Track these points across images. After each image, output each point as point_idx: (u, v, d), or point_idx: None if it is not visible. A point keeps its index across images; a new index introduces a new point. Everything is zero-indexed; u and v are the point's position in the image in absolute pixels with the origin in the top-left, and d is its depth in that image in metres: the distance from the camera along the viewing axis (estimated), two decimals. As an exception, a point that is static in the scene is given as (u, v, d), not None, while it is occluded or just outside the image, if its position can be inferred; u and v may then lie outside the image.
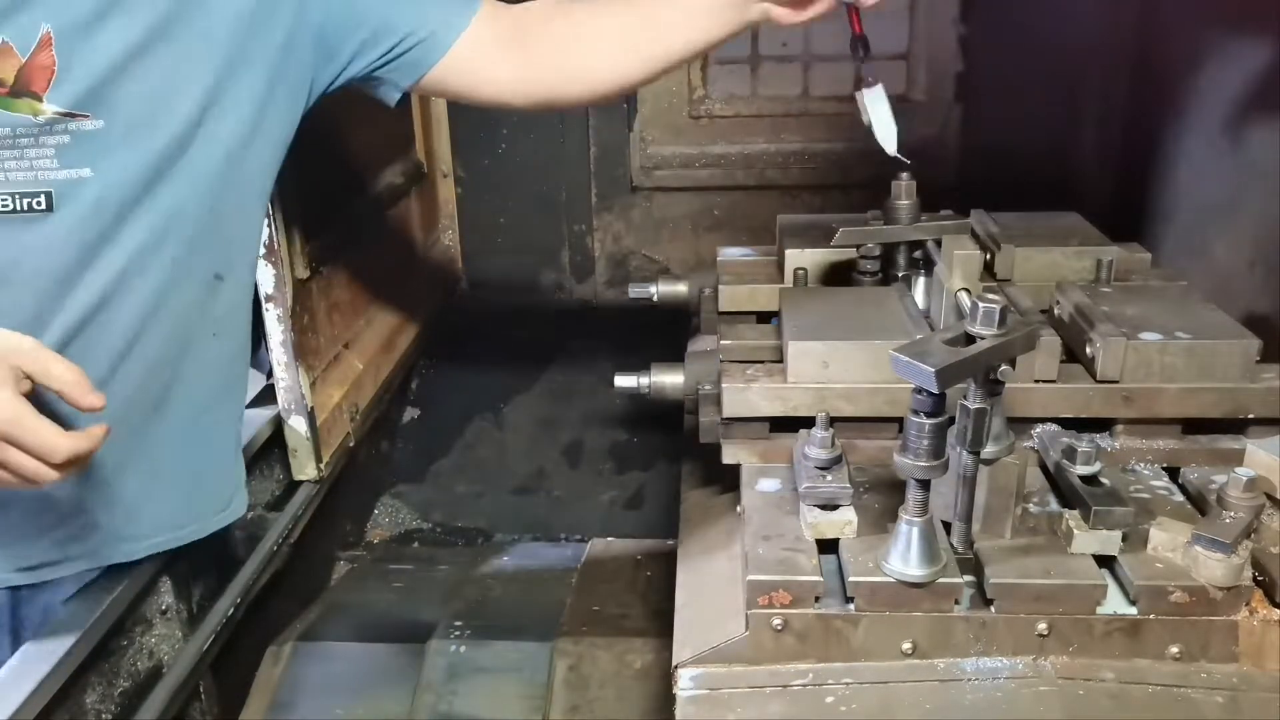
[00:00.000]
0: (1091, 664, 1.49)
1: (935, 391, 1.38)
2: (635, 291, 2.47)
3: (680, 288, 2.37)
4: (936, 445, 1.43)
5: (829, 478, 1.60)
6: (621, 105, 3.73)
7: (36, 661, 1.75)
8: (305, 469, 2.63)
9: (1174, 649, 1.48)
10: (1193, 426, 1.76)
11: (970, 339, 1.43)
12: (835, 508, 1.59)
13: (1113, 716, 1.44)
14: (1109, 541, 1.51)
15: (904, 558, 1.48)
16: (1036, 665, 1.50)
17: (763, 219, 2.91)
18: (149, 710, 2.00)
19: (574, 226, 3.84)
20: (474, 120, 3.68)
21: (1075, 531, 1.52)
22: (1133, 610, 1.49)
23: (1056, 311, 1.93)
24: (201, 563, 2.24)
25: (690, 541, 1.86)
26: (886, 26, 3.66)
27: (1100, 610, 1.49)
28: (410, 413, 3.81)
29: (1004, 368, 1.44)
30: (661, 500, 3.55)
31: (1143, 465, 1.75)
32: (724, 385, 1.77)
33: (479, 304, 3.89)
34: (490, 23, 1.92)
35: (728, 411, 1.78)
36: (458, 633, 2.64)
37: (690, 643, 1.57)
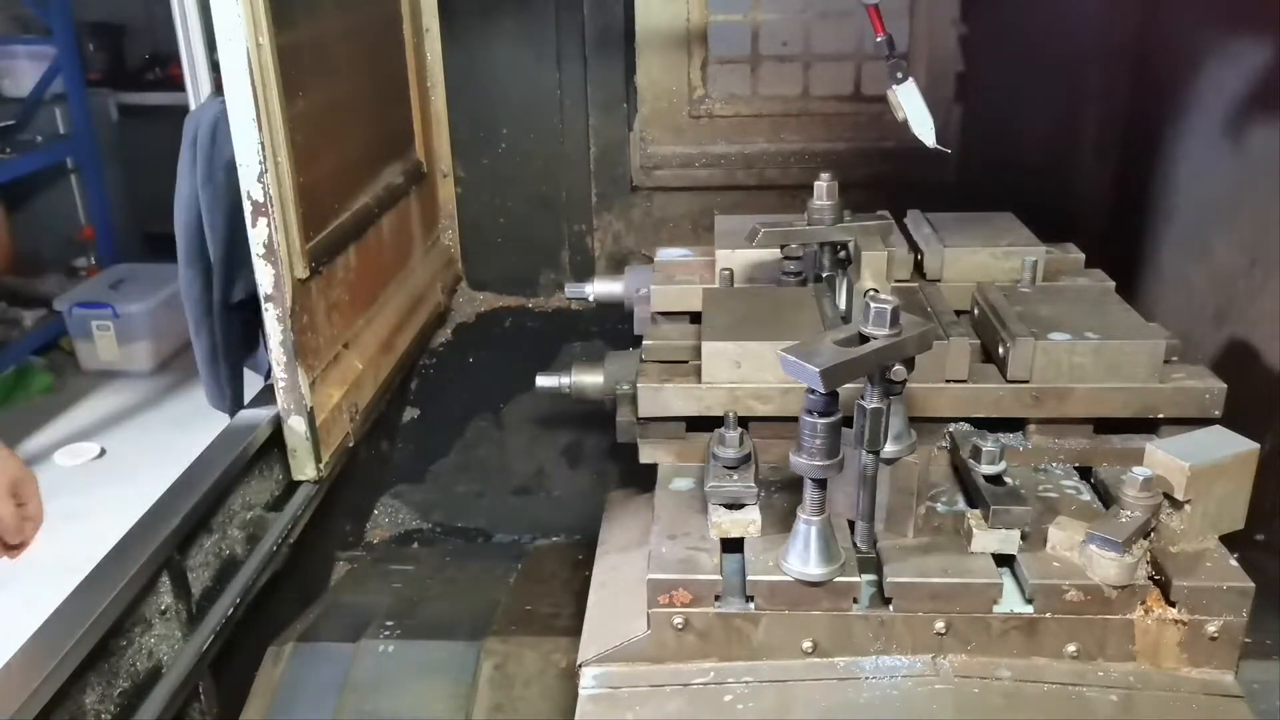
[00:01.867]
0: (990, 662, 1.50)
1: (822, 391, 1.39)
2: (571, 291, 2.47)
3: (616, 288, 2.36)
4: (830, 444, 1.44)
5: (735, 477, 1.61)
6: (622, 105, 3.73)
7: (36, 661, 1.76)
8: (305, 469, 2.62)
9: (1071, 648, 1.49)
10: (1106, 426, 1.76)
11: (864, 339, 1.43)
12: (741, 507, 1.60)
13: (1005, 715, 1.44)
14: (1008, 540, 1.51)
15: (802, 557, 1.49)
16: (935, 664, 1.50)
17: (763, 219, 2.88)
18: (148, 710, 2.00)
19: (574, 226, 3.83)
20: (474, 120, 3.68)
21: (975, 530, 1.52)
22: (1029, 609, 1.49)
23: (976, 312, 1.93)
24: (201, 562, 2.28)
25: (609, 540, 1.87)
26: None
27: (997, 609, 1.50)
28: (410, 413, 3.82)
29: (897, 367, 1.44)
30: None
31: (1055, 465, 1.74)
32: (639, 385, 1.79)
33: (479, 304, 3.90)
34: None
35: (643, 411, 1.80)
36: (387, 632, 2.63)
37: (595, 642, 1.59)
